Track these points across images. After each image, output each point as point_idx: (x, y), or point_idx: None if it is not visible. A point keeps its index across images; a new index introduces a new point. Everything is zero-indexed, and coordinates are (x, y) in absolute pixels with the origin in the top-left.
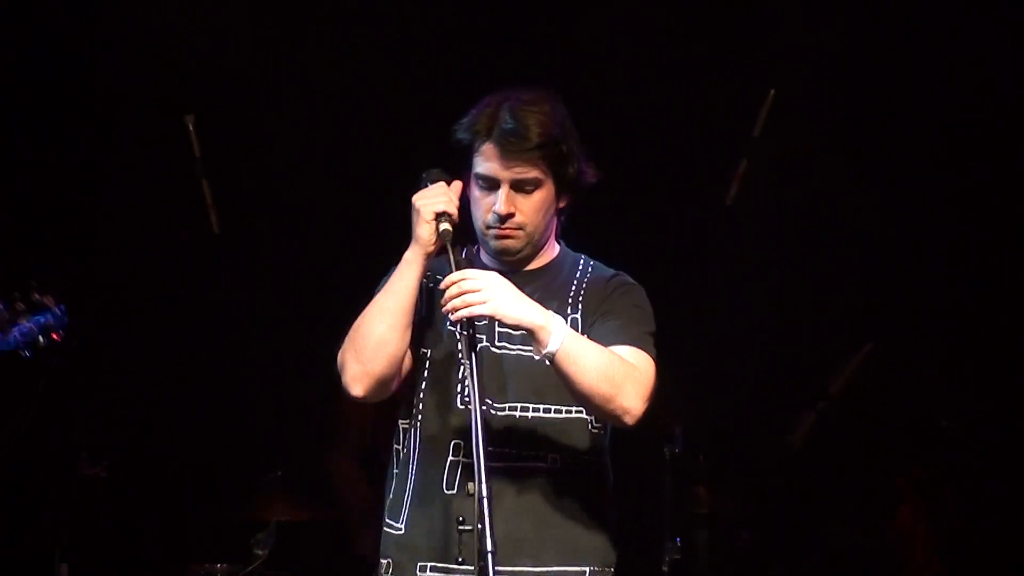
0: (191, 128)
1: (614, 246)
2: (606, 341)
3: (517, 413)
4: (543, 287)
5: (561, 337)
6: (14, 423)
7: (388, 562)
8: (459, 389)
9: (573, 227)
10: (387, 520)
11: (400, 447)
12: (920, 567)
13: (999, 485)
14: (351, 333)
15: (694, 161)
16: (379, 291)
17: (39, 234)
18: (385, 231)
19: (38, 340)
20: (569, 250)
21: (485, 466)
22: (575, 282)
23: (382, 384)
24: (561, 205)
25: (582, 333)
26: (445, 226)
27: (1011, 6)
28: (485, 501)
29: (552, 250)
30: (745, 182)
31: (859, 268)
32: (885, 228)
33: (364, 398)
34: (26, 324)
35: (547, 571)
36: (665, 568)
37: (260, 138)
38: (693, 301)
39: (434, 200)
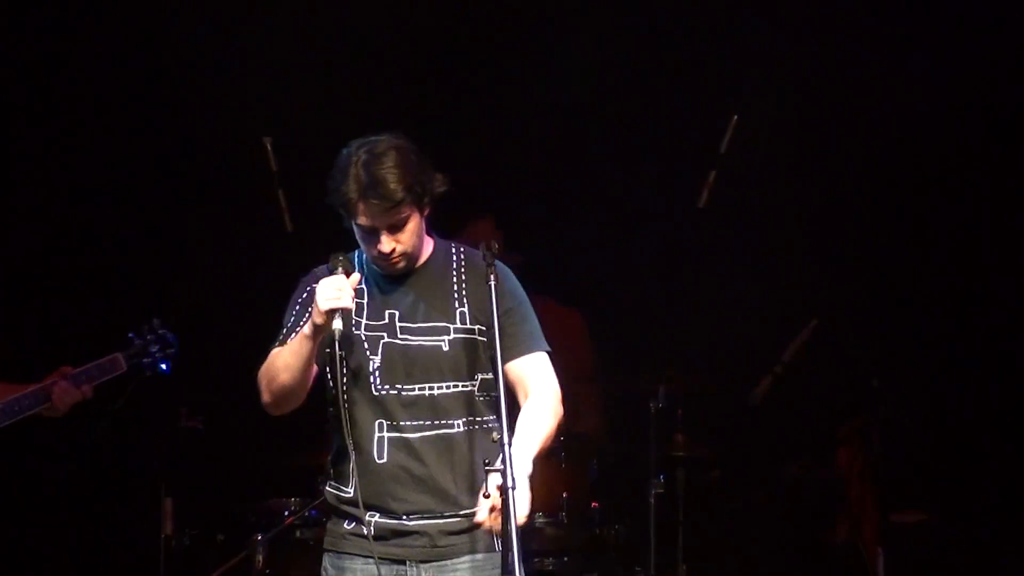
0: (269, 148)
1: (609, 239)
2: (523, 348)
3: (426, 392)
4: (427, 283)
5: (526, 473)
6: (128, 388)
7: (343, 516)
8: (371, 380)
9: (580, 222)
10: (334, 483)
11: (335, 431)
12: (855, 495)
13: (914, 431)
14: (263, 371)
15: (673, 171)
16: (286, 328)
17: (143, 238)
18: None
19: (159, 368)
20: (439, 239)
21: (466, 430)
22: (454, 274)
23: (290, 406)
24: (425, 215)
25: (471, 324)
26: (337, 324)
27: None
28: (506, 445)
29: (428, 247)
30: (714, 189)
31: (808, 259)
32: (828, 227)
33: (278, 415)
34: (151, 355)
35: (468, 512)
36: (651, 500)
37: (326, 150)
38: (673, 287)
39: (331, 299)
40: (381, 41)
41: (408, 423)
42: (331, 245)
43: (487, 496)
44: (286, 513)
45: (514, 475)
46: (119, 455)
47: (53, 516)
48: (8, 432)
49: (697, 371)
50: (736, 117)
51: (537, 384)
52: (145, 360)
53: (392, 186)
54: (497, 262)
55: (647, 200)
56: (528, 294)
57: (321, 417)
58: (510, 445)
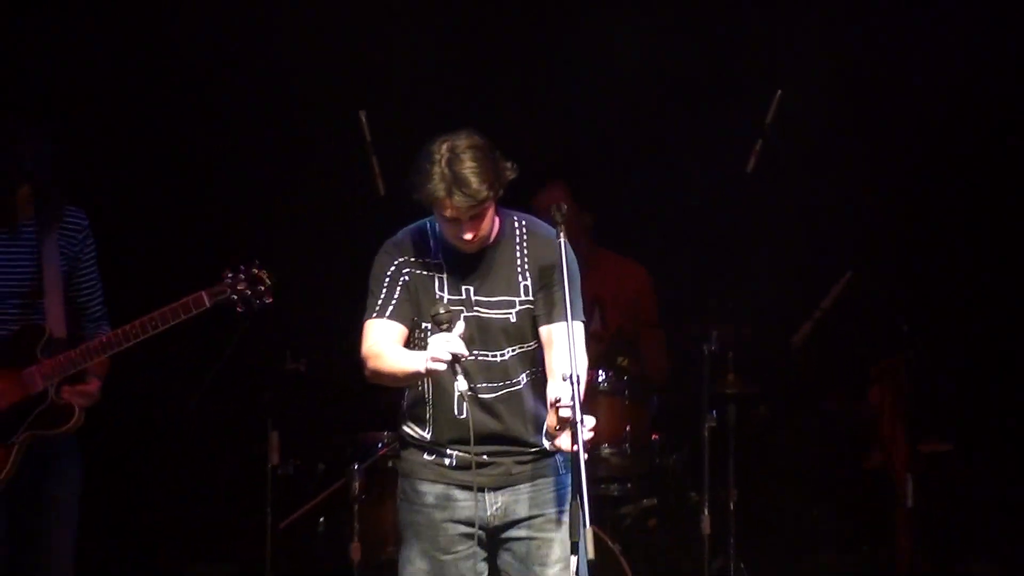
0: (363, 120)
1: (669, 200)
2: (563, 315)
3: (498, 358)
4: (497, 260)
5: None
6: (237, 335)
7: (422, 449)
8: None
9: (643, 185)
10: (413, 426)
11: (413, 387)
12: (886, 427)
13: (938, 370)
14: (368, 354)
15: (724, 139)
16: (379, 301)
17: (252, 204)
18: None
19: (254, 304)
20: (504, 212)
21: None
22: (518, 248)
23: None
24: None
25: (534, 293)
26: (460, 385)
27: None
28: (573, 384)
29: (495, 223)
30: (760, 155)
31: (843, 218)
32: (861, 190)
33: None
34: (248, 292)
35: (535, 449)
36: (705, 432)
37: (412, 122)
38: (725, 243)
39: (447, 349)
40: (460, 21)
41: (483, 385)
42: (417, 208)
43: (556, 430)
44: (379, 445)
45: (581, 410)
46: (233, 394)
47: (174, 448)
48: (136, 367)
49: (745, 318)
50: (780, 92)
51: (562, 350)
52: (233, 297)
53: (476, 186)
54: (553, 229)
55: (702, 165)
56: (599, 249)
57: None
58: (577, 383)
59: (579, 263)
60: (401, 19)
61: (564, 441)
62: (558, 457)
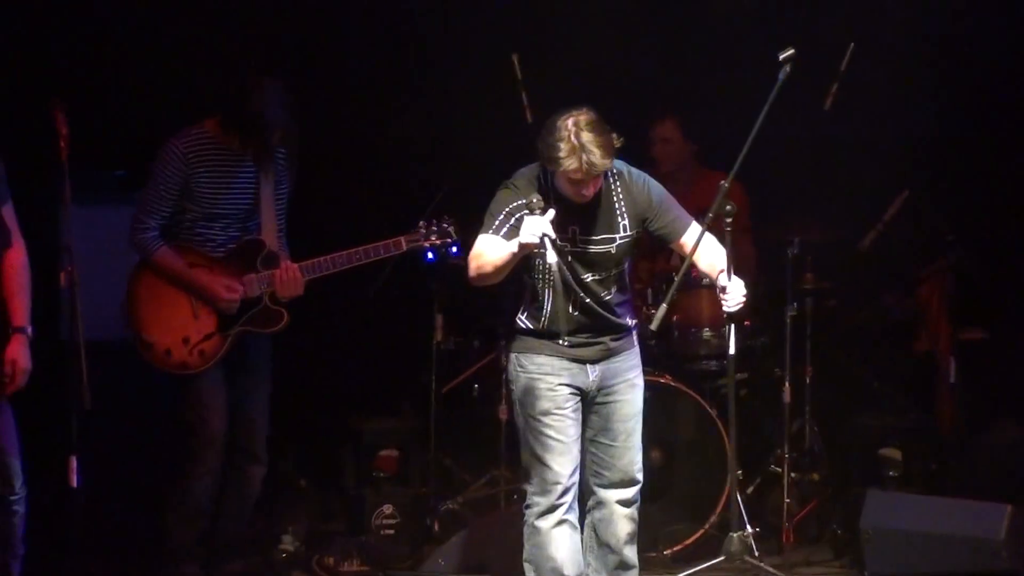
0: (515, 62)
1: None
2: (681, 228)
3: (599, 277)
4: (597, 205)
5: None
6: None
7: (538, 336)
8: (562, 273)
9: (740, 118)
10: (529, 321)
11: (532, 287)
12: (933, 318)
13: (976, 271)
14: (474, 255)
15: (806, 80)
16: (496, 222)
17: (421, 136)
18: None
19: (440, 251)
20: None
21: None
22: (614, 195)
23: (485, 285)
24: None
25: (630, 231)
26: (551, 258)
27: None
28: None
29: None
30: (836, 95)
31: (901, 147)
32: (916, 126)
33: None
34: (437, 241)
35: (623, 330)
36: (787, 320)
37: (554, 61)
38: (807, 169)
39: (531, 239)
40: None
41: (588, 296)
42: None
43: (724, 291)
44: None
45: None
46: (408, 284)
47: (359, 328)
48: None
49: (822, 226)
50: (852, 45)
51: (704, 243)
52: (423, 246)
53: (601, 158)
54: (637, 172)
55: (787, 102)
56: (703, 169)
57: None
58: (731, 273)
59: (686, 184)
60: None
61: (731, 300)
62: (634, 334)
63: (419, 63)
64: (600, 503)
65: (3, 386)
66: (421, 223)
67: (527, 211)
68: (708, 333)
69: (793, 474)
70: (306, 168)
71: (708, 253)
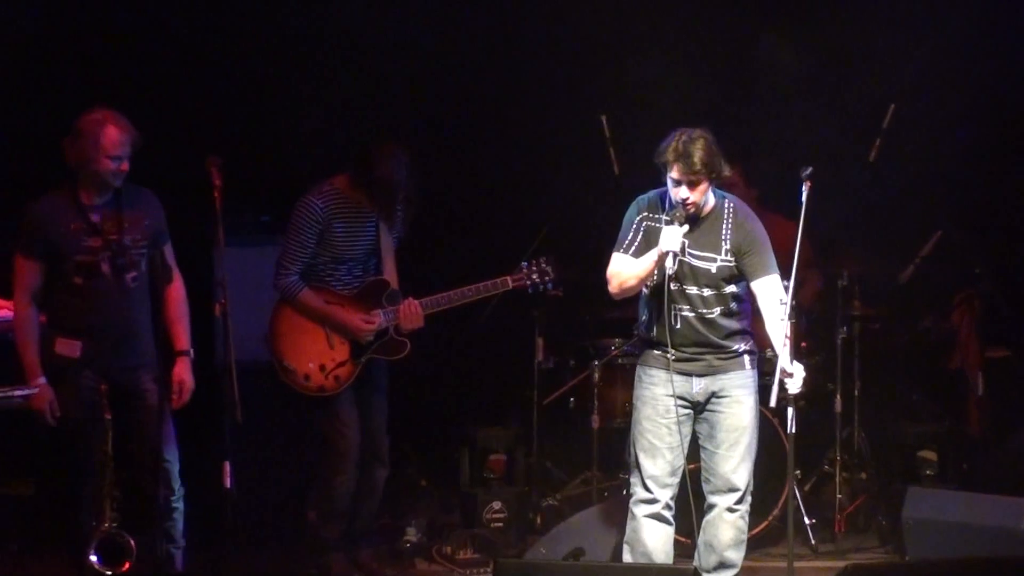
0: (604, 121)
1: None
2: (761, 271)
3: (703, 293)
4: (708, 226)
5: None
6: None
7: (653, 347)
8: (672, 282)
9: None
10: (645, 331)
11: (648, 304)
12: (963, 341)
13: (1001, 299)
14: (613, 273)
15: (856, 136)
16: (626, 241)
17: (521, 186)
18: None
19: (540, 289)
20: (718, 194)
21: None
22: (724, 222)
23: (627, 296)
24: (714, 185)
25: (729, 257)
26: (669, 264)
27: None
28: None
29: (712, 201)
30: (879, 149)
31: (938, 195)
32: (951, 175)
33: (619, 300)
34: (537, 280)
35: (730, 351)
36: (838, 341)
37: (640, 121)
38: (856, 211)
39: (670, 245)
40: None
41: (688, 308)
42: (643, 184)
43: (788, 376)
44: (611, 348)
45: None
46: (512, 312)
47: (471, 349)
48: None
49: (868, 261)
50: (893, 106)
51: (768, 297)
52: (526, 284)
53: (695, 160)
54: (751, 213)
55: (837, 155)
56: (766, 213)
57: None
58: (792, 356)
59: None
60: (634, 35)
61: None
62: (748, 358)
63: (521, 121)
64: (710, 506)
65: (170, 402)
66: (524, 264)
67: (667, 220)
68: (770, 353)
69: (844, 473)
70: (423, 214)
71: (768, 310)
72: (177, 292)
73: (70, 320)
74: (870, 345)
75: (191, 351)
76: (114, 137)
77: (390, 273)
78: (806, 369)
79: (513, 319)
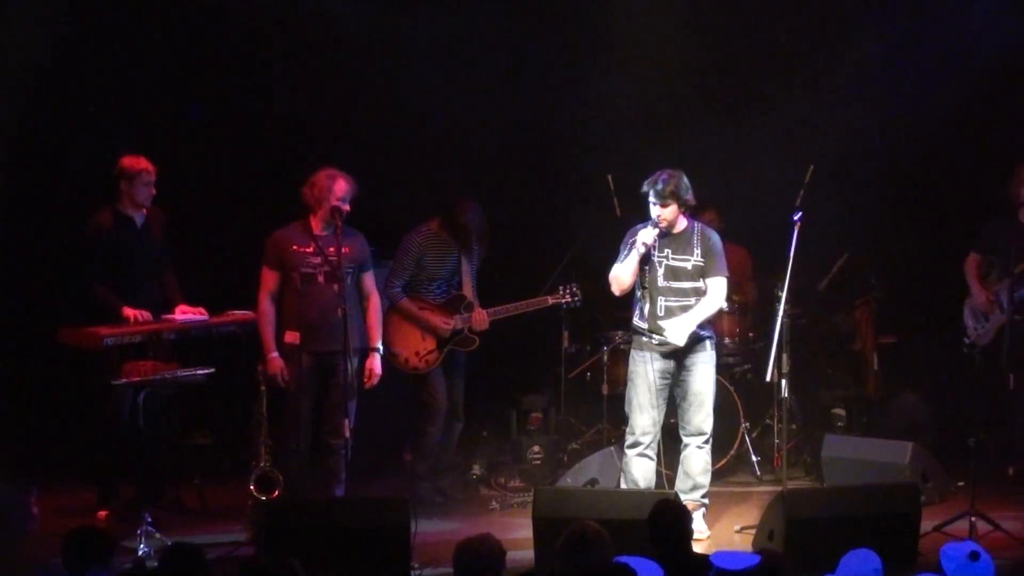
0: (610, 181)
1: (750, 218)
2: (712, 272)
3: (682, 285)
4: (682, 239)
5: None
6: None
7: (642, 334)
8: (659, 278)
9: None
10: (638, 320)
11: (640, 298)
12: (863, 331)
13: (889, 300)
14: (613, 277)
15: (785, 189)
16: (624, 250)
17: (547, 227)
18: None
19: (572, 304)
20: (691, 219)
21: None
22: (695, 237)
23: (625, 293)
24: (682, 211)
25: (699, 260)
26: (642, 250)
27: None
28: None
29: (682, 224)
30: (802, 198)
31: (845, 225)
32: (859, 214)
33: (619, 296)
34: (570, 299)
35: (700, 334)
36: (775, 333)
37: (635, 176)
38: (782, 243)
39: (645, 236)
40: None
41: (672, 298)
42: (636, 221)
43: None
44: (616, 337)
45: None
46: (542, 311)
47: (509, 343)
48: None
49: (796, 275)
50: (811, 167)
51: (710, 293)
52: (561, 302)
53: (661, 189)
54: (710, 231)
55: (777, 200)
56: (729, 243)
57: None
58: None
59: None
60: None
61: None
62: (709, 342)
63: (551, 177)
64: (685, 445)
65: (362, 385)
66: (560, 287)
67: (643, 228)
68: (728, 341)
69: (779, 425)
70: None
71: (707, 299)
72: (373, 306)
73: (293, 314)
74: (798, 334)
75: (380, 348)
76: (343, 187)
77: (467, 289)
78: (753, 354)
79: (547, 317)
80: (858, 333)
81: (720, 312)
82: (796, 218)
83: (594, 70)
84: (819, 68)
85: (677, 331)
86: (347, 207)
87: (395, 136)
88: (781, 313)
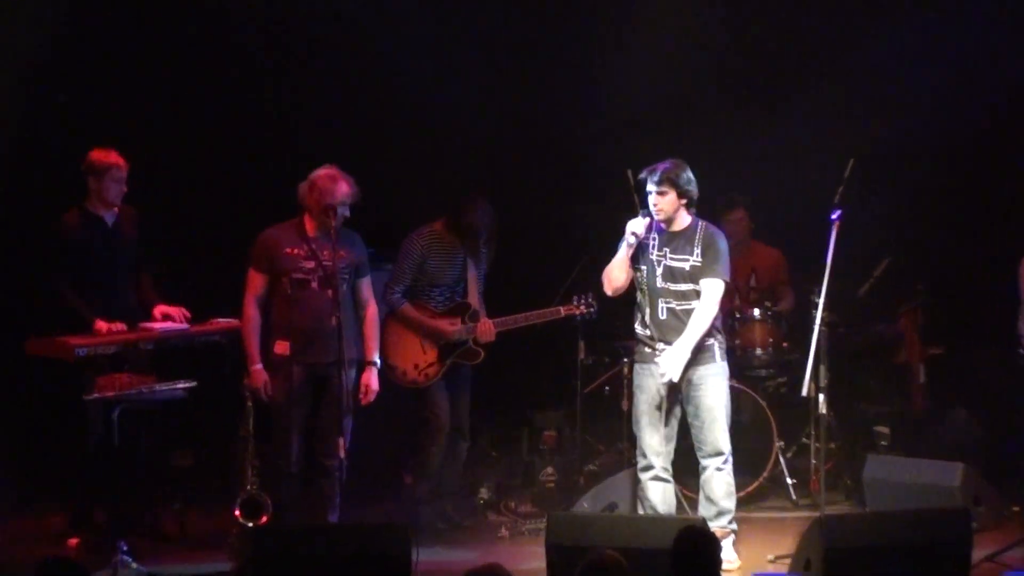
0: (630, 175)
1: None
2: (708, 273)
3: (680, 287)
4: (683, 237)
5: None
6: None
7: (643, 344)
8: (657, 279)
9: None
10: (639, 327)
11: (641, 303)
12: (908, 341)
13: (941, 312)
14: (605, 274)
15: (825, 175)
16: (620, 248)
17: (565, 231)
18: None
19: (586, 316)
20: (694, 217)
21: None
22: (697, 236)
23: (619, 293)
24: (684, 204)
25: (698, 260)
26: (632, 241)
27: None
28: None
29: (684, 221)
30: (842, 194)
31: (888, 230)
32: (901, 216)
33: (613, 297)
34: (583, 310)
35: (705, 343)
36: (812, 342)
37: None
38: (820, 245)
39: (635, 225)
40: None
41: (672, 301)
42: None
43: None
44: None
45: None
46: (563, 324)
47: (529, 353)
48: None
49: (835, 280)
50: (853, 160)
51: (702, 299)
52: (575, 314)
53: (658, 177)
54: (715, 228)
55: (814, 198)
56: (755, 241)
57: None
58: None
59: (743, 250)
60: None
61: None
62: (719, 351)
63: (556, 174)
64: (703, 468)
65: (358, 401)
66: (575, 297)
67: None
68: (760, 351)
69: (817, 444)
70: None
71: (701, 304)
72: (371, 316)
73: (283, 322)
74: (836, 345)
75: (378, 361)
76: (345, 191)
77: (473, 297)
78: (787, 366)
79: (562, 326)
80: (903, 343)
81: (749, 318)
82: (835, 217)
83: (611, 56)
84: (860, 49)
85: (670, 364)
86: (347, 213)
87: (396, 130)
88: (818, 321)
